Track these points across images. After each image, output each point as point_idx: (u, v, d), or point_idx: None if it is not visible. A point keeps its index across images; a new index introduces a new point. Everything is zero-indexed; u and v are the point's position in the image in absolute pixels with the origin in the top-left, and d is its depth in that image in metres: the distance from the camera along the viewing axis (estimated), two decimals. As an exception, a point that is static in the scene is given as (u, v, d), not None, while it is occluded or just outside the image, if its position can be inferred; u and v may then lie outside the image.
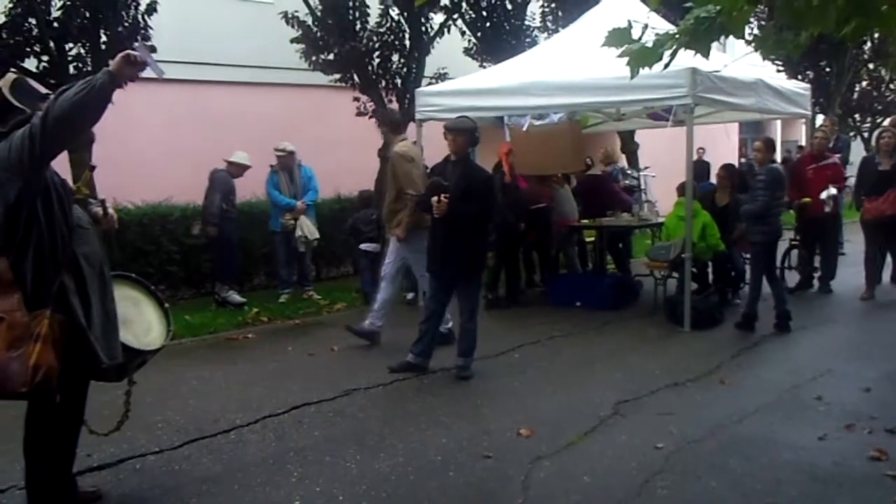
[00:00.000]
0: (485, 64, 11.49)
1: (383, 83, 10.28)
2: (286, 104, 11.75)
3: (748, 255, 8.03)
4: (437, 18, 10.87)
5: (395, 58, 10.33)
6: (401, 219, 6.65)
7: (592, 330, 7.58)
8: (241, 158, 8.74)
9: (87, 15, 7.94)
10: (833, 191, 8.63)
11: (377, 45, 10.16)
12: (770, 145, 7.71)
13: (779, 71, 11.93)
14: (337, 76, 10.23)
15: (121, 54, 3.16)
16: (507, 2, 11.56)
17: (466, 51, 11.93)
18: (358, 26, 10.00)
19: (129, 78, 3.19)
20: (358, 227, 9.12)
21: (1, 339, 3.04)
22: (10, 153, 3.11)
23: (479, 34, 11.66)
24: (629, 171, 11.17)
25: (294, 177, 8.94)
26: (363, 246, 9.05)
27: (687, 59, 3.74)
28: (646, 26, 3.03)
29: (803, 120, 11.64)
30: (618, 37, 3.08)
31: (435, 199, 5.78)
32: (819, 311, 8.35)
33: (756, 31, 10.23)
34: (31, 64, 7.90)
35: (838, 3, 2.45)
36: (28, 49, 7.89)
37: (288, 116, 11.29)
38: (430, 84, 9.97)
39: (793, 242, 9.35)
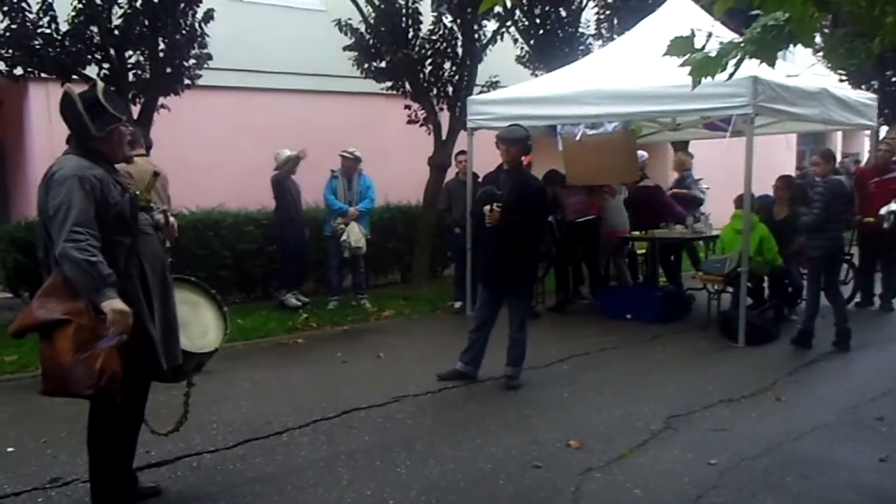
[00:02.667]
0: (537, 72, 11.45)
1: (435, 91, 10.30)
2: (337, 112, 11.85)
3: (806, 271, 7.83)
4: (490, 26, 10.86)
5: (446, 66, 10.34)
6: None
7: (643, 343, 7.48)
8: (282, 155, 8.93)
9: (146, 23, 8.13)
10: (893, 206, 8.38)
11: (429, 53, 10.19)
12: (829, 157, 7.48)
13: (842, 80, 11.61)
14: (389, 84, 10.29)
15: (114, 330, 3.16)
16: (560, 9, 11.49)
17: (519, 59, 11.89)
18: (410, 34, 10.05)
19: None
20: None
21: (69, 341, 3.11)
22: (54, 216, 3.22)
23: (531, 42, 11.62)
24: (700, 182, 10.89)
25: (352, 183, 9.01)
26: None
27: (748, 67, 3.66)
28: (710, 35, 2.99)
29: (867, 132, 11.26)
30: (680, 45, 3.04)
31: (487, 207, 5.77)
32: (879, 330, 8.12)
33: (819, 41, 9.97)
34: (91, 71, 8.10)
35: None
36: (90, 56, 8.09)
37: (339, 124, 11.39)
38: (481, 92, 9.97)
39: (844, 257, 9.08)
